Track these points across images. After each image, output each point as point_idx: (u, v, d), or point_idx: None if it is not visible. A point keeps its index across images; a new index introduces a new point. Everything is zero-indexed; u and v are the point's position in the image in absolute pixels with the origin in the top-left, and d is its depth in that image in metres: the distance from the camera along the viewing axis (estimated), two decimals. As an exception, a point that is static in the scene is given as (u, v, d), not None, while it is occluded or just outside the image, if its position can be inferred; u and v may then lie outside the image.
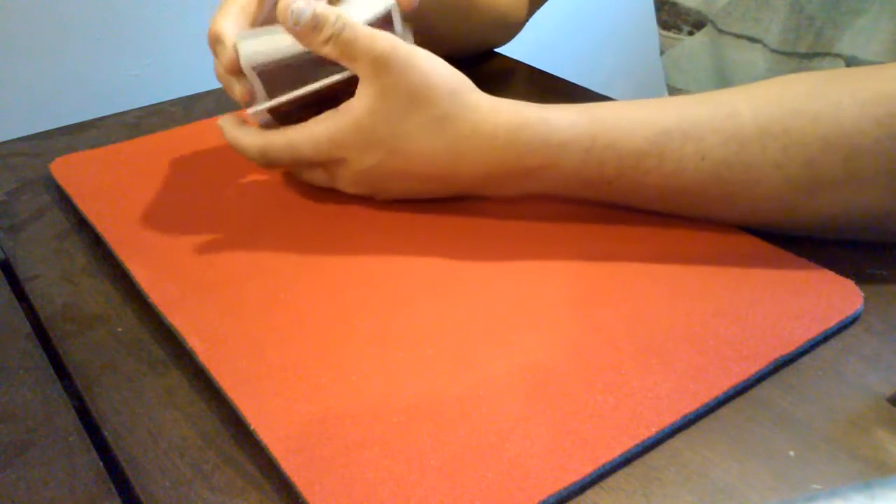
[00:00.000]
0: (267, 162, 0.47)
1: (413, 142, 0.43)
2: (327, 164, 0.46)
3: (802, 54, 0.61)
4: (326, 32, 0.43)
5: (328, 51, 0.43)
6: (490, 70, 0.71)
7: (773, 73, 0.63)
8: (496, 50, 0.75)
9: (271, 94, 0.47)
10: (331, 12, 0.43)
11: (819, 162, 0.40)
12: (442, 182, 0.46)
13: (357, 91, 0.44)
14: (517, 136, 0.42)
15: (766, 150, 0.40)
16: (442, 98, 0.43)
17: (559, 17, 1.49)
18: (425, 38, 0.63)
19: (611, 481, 0.32)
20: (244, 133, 0.47)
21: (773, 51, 0.62)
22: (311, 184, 0.50)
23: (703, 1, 0.67)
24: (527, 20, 0.74)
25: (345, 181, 0.47)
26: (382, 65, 0.42)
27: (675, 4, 0.69)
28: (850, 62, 0.59)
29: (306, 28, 0.43)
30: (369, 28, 0.43)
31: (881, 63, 0.56)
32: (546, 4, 0.78)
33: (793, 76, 0.43)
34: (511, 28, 0.73)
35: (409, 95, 0.43)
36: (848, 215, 0.42)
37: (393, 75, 0.42)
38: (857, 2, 0.55)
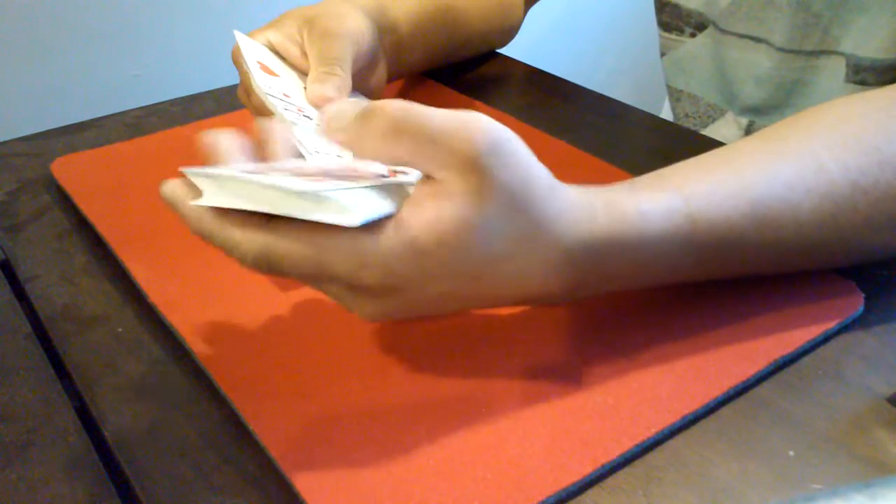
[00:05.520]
0: (268, 269, 0.31)
1: (507, 262, 0.32)
2: (364, 291, 0.32)
3: (808, 52, 0.61)
4: (383, 120, 0.31)
5: (391, 146, 0.31)
6: (490, 70, 0.71)
7: (778, 71, 0.63)
8: (498, 50, 0.75)
9: None
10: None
11: None
12: (517, 301, 0.36)
13: (432, 193, 0.30)
14: (613, 234, 0.34)
15: (858, 207, 0.38)
16: (543, 198, 0.32)
17: (559, 17, 1.49)
18: (427, 51, 0.64)
19: (611, 481, 0.32)
20: (236, 223, 0.31)
21: (779, 49, 0.62)
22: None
23: (705, 2, 0.67)
24: (524, 18, 0.75)
25: (376, 311, 0.33)
26: (483, 160, 0.30)
27: (676, 6, 0.69)
28: (850, 60, 0.59)
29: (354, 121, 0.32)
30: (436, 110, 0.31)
31: (882, 60, 0.57)
32: (546, 4, 0.78)
33: (857, 102, 0.41)
34: (512, 31, 0.73)
35: (511, 197, 0.31)
36: None
37: (494, 174, 0.30)
38: None
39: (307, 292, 0.42)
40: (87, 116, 0.65)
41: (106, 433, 0.35)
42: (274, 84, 0.46)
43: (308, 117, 0.43)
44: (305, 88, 0.47)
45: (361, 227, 0.29)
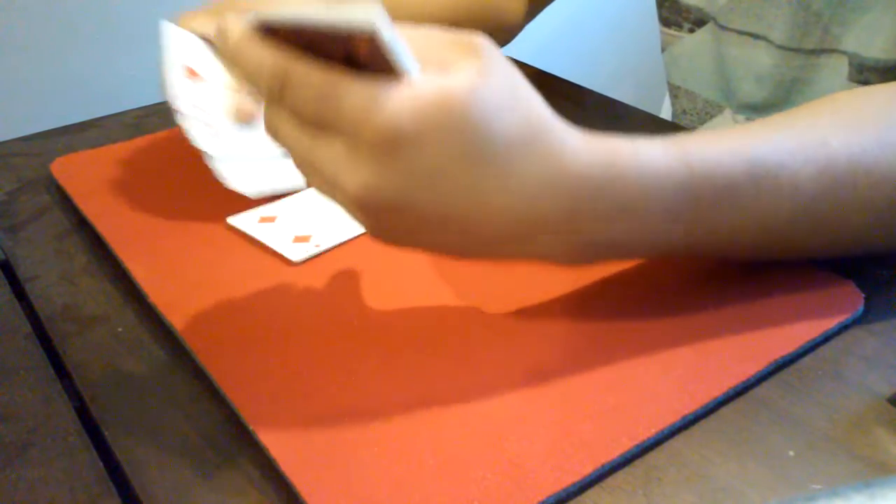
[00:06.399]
0: (281, 92, 0.32)
1: (503, 158, 0.33)
2: (365, 142, 0.31)
3: (808, 51, 0.61)
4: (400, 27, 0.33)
5: (407, 35, 0.33)
6: (490, 70, 0.71)
7: (779, 69, 0.63)
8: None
9: None
10: None
11: None
12: (506, 223, 0.34)
13: (442, 69, 0.32)
14: (612, 162, 0.35)
15: (858, 186, 0.38)
16: (535, 103, 0.34)
17: (560, 16, 1.49)
18: None
19: (611, 481, 0.32)
20: (262, 43, 0.32)
21: (779, 47, 0.62)
22: (297, 158, 0.35)
23: None
24: (525, 24, 0.74)
25: (371, 178, 0.32)
26: (484, 48, 0.33)
27: (675, 1, 0.69)
28: (853, 59, 0.59)
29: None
30: None
31: (885, 61, 0.57)
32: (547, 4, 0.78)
33: (862, 93, 0.41)
34: (508, 31, 0.73)
35: (510, 86, 0.33)
36: None
37: (491, 58, 0.33)
38: None
39: (307, 292, 0.42)
40: (87, 116, 0.65)
41: (106, 433, 0.35)
42: (191, 91, 0.44)
43: (216, 135, 0.42)
44: (233, 93, 0.45)
45: (377, 79, 0.31)
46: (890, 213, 0.39)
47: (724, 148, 0.37)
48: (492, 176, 0.33)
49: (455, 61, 0.32)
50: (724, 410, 0.35)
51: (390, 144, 0.31)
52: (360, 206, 0.33)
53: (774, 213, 0.38)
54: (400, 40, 0.30)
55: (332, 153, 0.33)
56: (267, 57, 0.32)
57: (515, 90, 0.33)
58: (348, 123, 0.31)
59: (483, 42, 0.33)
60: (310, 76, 0.31)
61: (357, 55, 0.31)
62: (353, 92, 0.31)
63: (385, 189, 0.32)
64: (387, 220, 0.33)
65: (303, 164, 0.35)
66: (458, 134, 0.31)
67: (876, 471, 0.32)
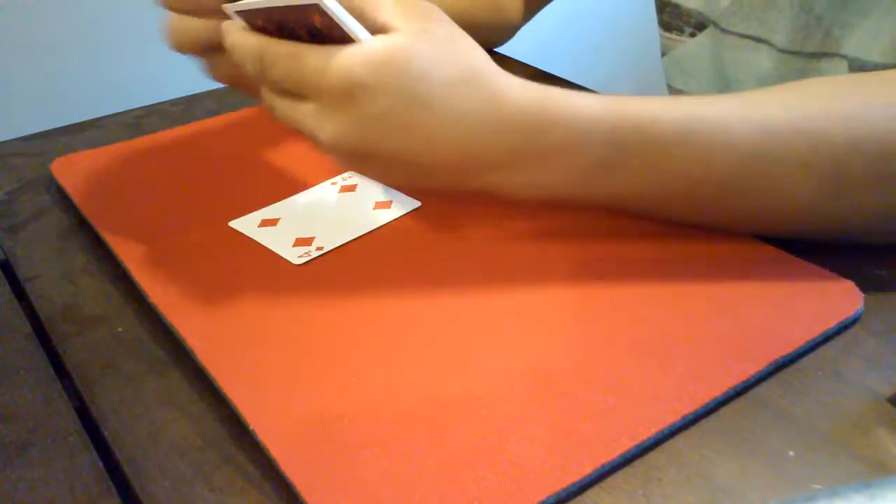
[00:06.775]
0: (261, 68, 0.39)
1: (447, 94, 0.38)
2: (326, 96, 0.37)
3: (809, 54, 0.61)
4: None
5: None
6: (490, 70, 0.71)
7: (779, 72, 0.63)
8: (495, 49, 0.75)
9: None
10: None
11: (846, 162, 0.39)
12: (451, 162, 0.39)
13: (385, 34, 0.38)
14: (545, 107, 0.39)
15: (796, 146, 0.39)
16: (474, 55, 0.39)
17: (559, 16, 1.49)
18: None
19: (611, 481, 0.32)
20: (246, 33, 0.39)
21: (780, 50, 0.62)
22: (287, 123, 0.40)
23: (705, 2, 0.67)
24: (524, 23, 0.74)
25: (336, 128, 0.38)
26: (418, 10, 0.39)
27: (676, 6, 0.69)
28: (853, 63, 0.59)
29: None
30: None
31: (884, 64, 0.57)
32: (546, 4, 0.78)
33: (818, 80, 0.43)
34: (506, 30, 0.73)
35: (449, 41, 0.39)
36: (870, 219, 0.42)
37: (432, 20, 0.39)
38: (864, 2, 0.55)
39: (307, 293, 0.42)
40: (87, 116, 0.65)
41: (106, 433, 0.35)
42: None
43: None
44: None
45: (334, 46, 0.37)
46: (833, 175, 0.40)
47: (660, 103, 0.40)
48: (437, 116, 0.37)
49: (400, 25, 0.37)
50: (724, 410, 0.35)
51: (347, 94, 0.36)
52: (334, 155, 0.39)
53: (706, 165, 0.40)
54: (345, 12, 0.36)
55: (306, 114, 0.38)
56: (249, 42, 0.39)
57: (454, 43, 0.39)
58: (312, 84, 0.37)
59: (427, 5, 0.39)
60: (279, 51, 0.38)
61: (318, 32, 0.37)
62: (313, 57, 0.37)
63: (349, 136, 0.37)
64: (357, 164, 0.40)
65: (295, 130, 0.40)
66: (404, 81, 0.36)
67: (876, 471, 0.32)
